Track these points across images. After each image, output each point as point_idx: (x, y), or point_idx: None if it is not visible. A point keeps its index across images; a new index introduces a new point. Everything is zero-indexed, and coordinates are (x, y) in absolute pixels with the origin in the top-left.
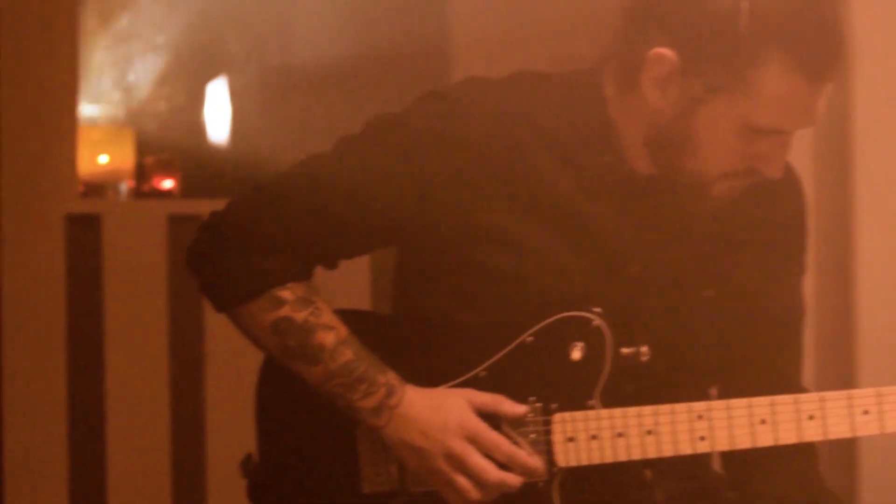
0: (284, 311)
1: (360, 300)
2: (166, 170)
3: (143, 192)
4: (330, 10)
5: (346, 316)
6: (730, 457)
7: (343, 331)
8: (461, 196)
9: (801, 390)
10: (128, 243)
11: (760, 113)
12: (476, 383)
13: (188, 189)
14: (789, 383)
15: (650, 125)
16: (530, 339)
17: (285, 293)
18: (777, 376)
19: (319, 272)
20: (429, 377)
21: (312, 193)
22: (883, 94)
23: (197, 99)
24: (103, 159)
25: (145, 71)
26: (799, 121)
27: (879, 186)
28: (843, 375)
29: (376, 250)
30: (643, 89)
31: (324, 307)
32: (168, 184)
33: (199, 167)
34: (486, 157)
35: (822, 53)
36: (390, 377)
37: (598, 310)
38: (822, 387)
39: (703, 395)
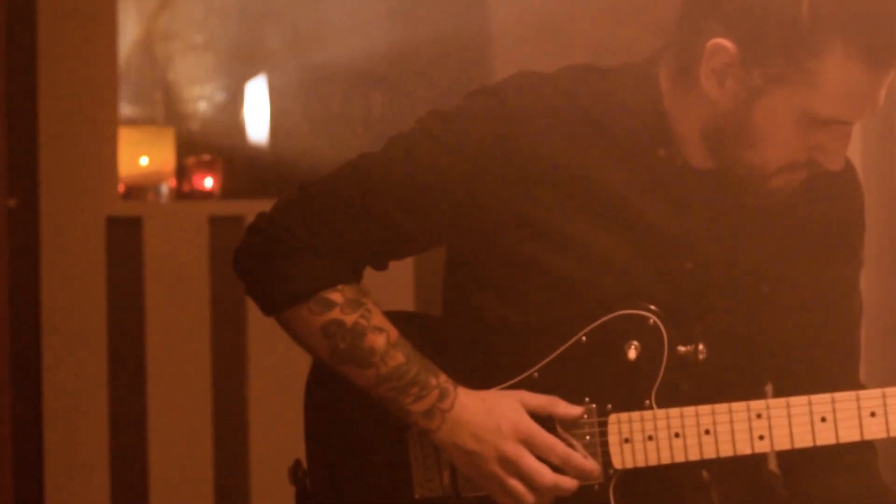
0: (334, 313)
1: (404, 301)
2: (207, 170)
3: (184, 192)
4: (368, 5)
5: (396, 318)
6: (786, 455)
7: (394, 333)
8: (515, 193)
9: (859, 386)
10: (169, 246)
11: (821, 103)
12: (529, 385)
13: (229, 189)
14: (846, 379)
15: (707, 118)
16: (585, 338)
17: (335, 295)
18: (834, 372)
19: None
20: (481, 379)
21: (363, 193)
22: None
23: (237, 98)
24: (144, 161)
25: (185, 70)
26: (860, 110)
27: None
28: (892, 370)
29: (428, 250)
30: (700, 81)
31: (374, 309)
32: (209, 183)
33: (240, 167)
34: (539, 154)
35: (884, 41)
36: (442, 380)
37: (653, 308)
38: (870, 382)
39: (758, 392)
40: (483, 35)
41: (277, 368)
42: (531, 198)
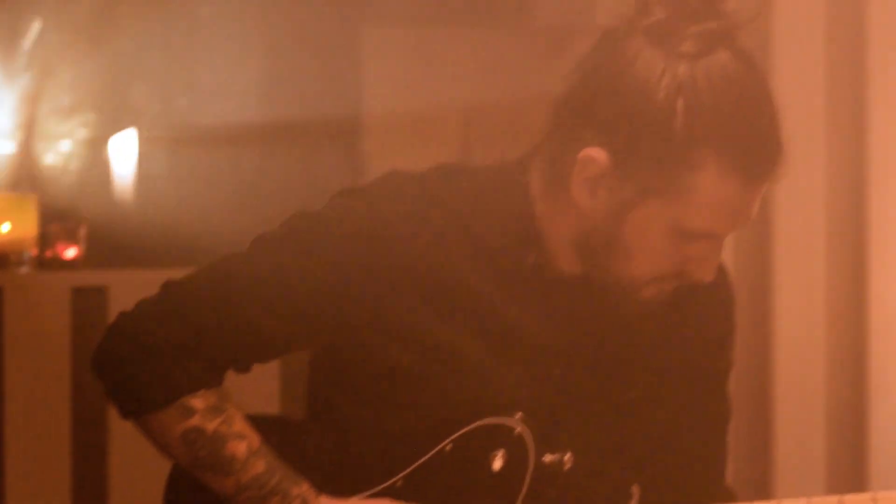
0: (195, 420)
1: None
2: (70, 238)
3: (47, 258)
4: (241, 68)
5: (259, 422)
6: None
7: (255, 440)
8: (380, 298)
9: (726, 490)
10: (29, 317)
11: (694, 216)
12: (393, 493)
13: (93, 257)
14: (713, 483)
15: (578, 226)
16: (449, 447)
17: (196, 401)
18: (701, 476)
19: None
20: (344, 486)
21: (225, 296)
22: (800, 194)
23: (103, 162)
24: (5, 227)
25: (50, 135)
26: (733, 223)
27: (797, 275)
28: (760, 475)
29: (292, 353)
30: (572, 190)
31: (235, 415)
32: (71, 252)
33: (105, 234)
34: (406, 258)
35: (759, 156)
36: (304, 489)
37: (519, 415)
38: (738, 486)
39: (625, 495)
40: (355, 111)
41: (139, 445)
42: (396, 302)
